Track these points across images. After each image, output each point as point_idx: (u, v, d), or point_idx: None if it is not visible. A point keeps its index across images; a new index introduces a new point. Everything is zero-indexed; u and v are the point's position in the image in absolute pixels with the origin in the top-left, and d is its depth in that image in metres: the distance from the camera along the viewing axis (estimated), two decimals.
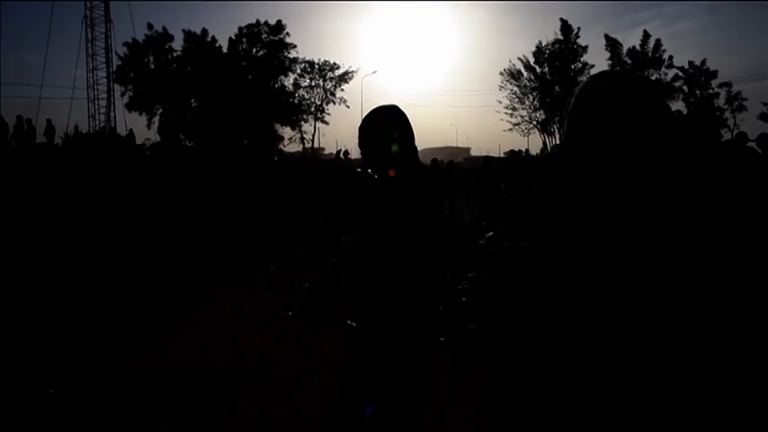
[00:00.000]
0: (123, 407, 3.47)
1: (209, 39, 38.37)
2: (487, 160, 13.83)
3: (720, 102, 42.02)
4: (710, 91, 42.05)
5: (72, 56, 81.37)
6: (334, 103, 42.27)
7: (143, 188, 12.15)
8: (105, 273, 6.91)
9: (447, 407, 3.37)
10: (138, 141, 23.72)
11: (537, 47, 43.05)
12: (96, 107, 34.48)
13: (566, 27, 42.32)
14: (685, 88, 42.16)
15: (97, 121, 33.79)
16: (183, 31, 38.36)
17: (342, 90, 42.52)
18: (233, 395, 3.64)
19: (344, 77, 42.14)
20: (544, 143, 39.82)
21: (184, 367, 4.12)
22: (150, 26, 38.09)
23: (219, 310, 5.80)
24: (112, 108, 35.04)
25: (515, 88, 44.06)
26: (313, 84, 41.96)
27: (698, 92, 42.02)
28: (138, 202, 11.86)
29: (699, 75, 42.08)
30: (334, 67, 41.82)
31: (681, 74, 41.85)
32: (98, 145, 19.30)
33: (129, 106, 37.45)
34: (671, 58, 41.54)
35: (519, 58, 43.89)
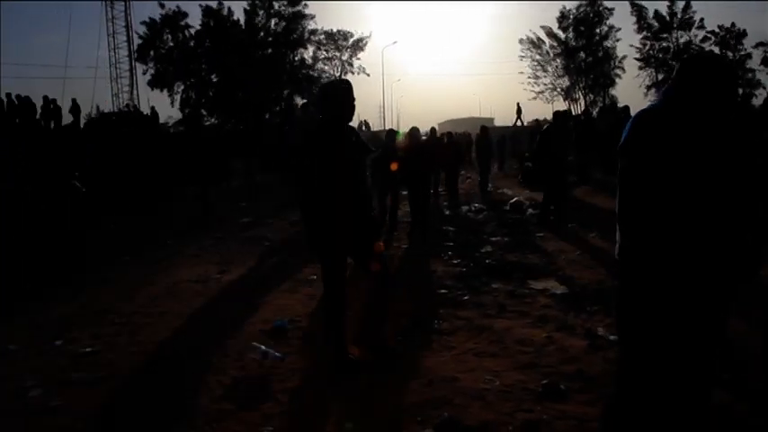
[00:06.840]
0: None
1: (224, 11, 37.78)
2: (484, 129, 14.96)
3: (755, 63, 40.29)
4: (743, 52, 40.37)
5: (94, 36, 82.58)
6: (353, 73, 41.69)
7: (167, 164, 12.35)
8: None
9: (474, 360, 3.45)
10: (162, 119, 24.04)
11: (561, 12, 41.72)
12: (119, 86, 34.89)
13: None
14: (716, 51, 40.53)
15: (120, 100, 34.24)
16: (200, 6, 37.82)
17: (358, 59, 41.71)
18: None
19: (358, 45, 41.23)
20: (569, 110, 38.83)
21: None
22: (162, 5, 37.29)
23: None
24: (135, 86, 35.40)
25: (536, 56, 42.93)
26: (330, 55, 41.42)
27: (730, 54, 40.31)
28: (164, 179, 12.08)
29: (730, 36, 40.38)
30: (347, 35, 40.95)
31: (711, 36, 40.26)
32: (124, 123, 19.60)
33: (151, 84, 37.66)
34: (702, 20, 39.96)
35: (541, 27, 42.61)
